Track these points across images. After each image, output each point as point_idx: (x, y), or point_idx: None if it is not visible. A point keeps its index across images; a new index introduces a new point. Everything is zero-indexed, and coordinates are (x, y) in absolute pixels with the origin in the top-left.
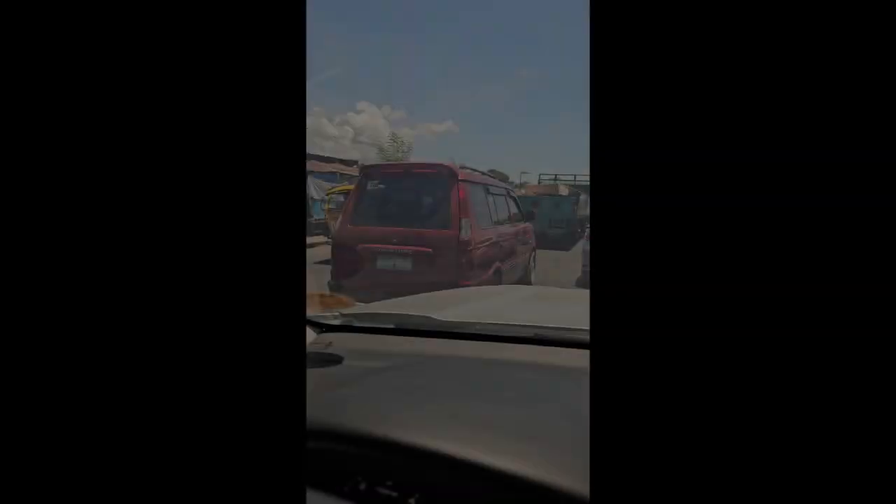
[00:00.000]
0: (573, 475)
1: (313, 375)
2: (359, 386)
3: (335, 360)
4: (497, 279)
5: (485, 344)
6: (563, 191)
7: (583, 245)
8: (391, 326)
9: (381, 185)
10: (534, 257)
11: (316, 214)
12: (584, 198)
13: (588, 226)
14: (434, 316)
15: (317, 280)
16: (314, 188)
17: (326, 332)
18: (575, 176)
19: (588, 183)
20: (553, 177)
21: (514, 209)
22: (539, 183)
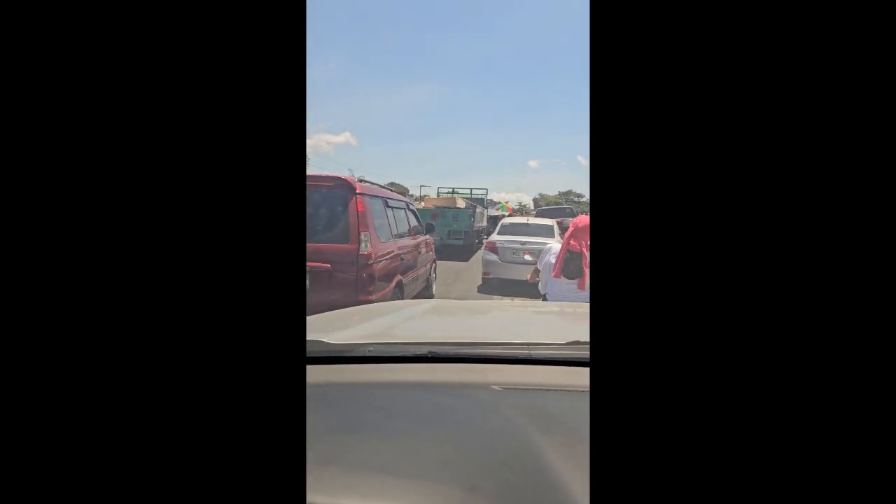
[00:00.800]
0: None
1: None
2: None
3: None
4: (399, 292)
5: (378, 367)
6: (461, 203)
7: (482, 255)
8: None
9: None
10: (434, 269)
11: None
12: (480, 210)
13: (485, 237)
14: (327, 339)
15: None
16: None
17: None
18: (471, 189)
19: (482, 196)
20: (451, 190)
21: (413, 222)
22: (438, 196)
